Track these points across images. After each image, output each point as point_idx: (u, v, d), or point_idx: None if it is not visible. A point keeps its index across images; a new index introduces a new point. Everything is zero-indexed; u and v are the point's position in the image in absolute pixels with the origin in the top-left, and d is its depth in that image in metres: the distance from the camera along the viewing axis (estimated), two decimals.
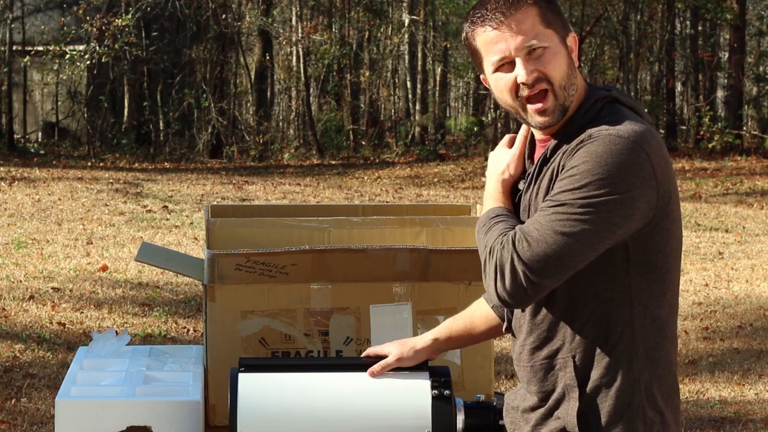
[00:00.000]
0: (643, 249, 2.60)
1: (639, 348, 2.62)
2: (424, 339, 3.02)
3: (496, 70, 2.63)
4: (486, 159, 23.49)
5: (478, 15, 2.63)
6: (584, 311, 2.63)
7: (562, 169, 2.58)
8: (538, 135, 2.73)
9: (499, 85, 2.64)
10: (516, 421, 2.81)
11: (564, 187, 2.55)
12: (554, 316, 2.66)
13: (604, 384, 2.62)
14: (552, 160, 2.65)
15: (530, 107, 2.62)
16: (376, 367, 2.99)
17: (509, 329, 2.87)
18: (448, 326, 3.03)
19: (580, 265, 2.56)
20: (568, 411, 2.65)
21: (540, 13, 2.61)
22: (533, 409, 2.74)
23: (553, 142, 2.66)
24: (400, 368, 3.00)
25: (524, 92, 2.61)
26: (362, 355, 3.06)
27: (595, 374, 2.63)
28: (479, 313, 3.02)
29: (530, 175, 2.70)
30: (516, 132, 2.81)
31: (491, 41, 2.61)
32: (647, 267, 2.62)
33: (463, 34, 2.71)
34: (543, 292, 2.58)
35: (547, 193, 2.61)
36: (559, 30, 2.63)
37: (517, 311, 2.75)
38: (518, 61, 2.60)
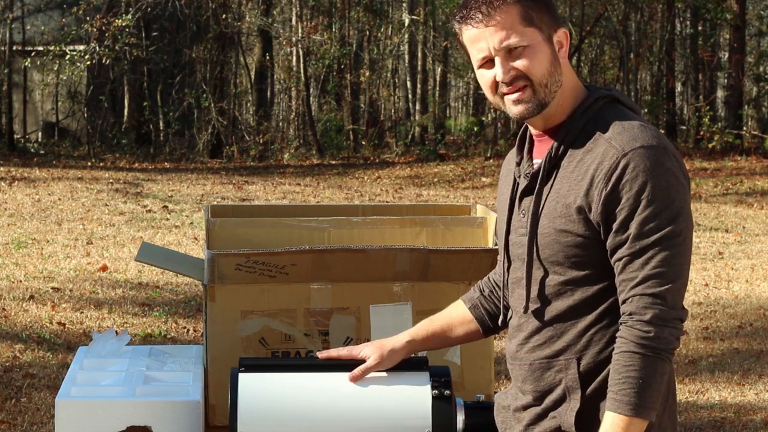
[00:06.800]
0: None
1: None
2: (400, 341, 3.00)
3: (480, 67, 2.69)
4: (486, 159, 23.51)
5: (462, 14, 2.68)
6: (593, 314, 2.65)
7: (606, 190, 2.57)
8: (534, 131, 2.75)
9: (482, 81, 2.70)
10: (507, 421, 2.81)
11: (644, 226, 2.55)
12: (562, 318, 2.67)
13: (605, 387, 2.61)
14: (560, 159, 2.66)
15: (507, 98, 2.66)
16: (357, 371, 2.98)
17: (505, 324, 2.87)
18: (425, 327, 3.02)
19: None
20: (567, 411, 2.65)
21: (521, 11, 2.63)
22: (525, 408, 2.74)
23: (556, 142, 2.67)
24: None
25: (503, 89, 2.66)
26: (336, 354, 3.03)
27: (598, 377, 2.64)
28: (456, 314, 3.02)
29: (536, 173, 2.70)
30: (516, 132, 2.82)
31: (473, 40, 2.66)
32: None
33: (454, 31, 2.75)
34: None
35: (579, 196, 2.60)
36: (544, 27, 2.65)
37: (518, 310, 2.75)
38: (497, 60, 2.64)
